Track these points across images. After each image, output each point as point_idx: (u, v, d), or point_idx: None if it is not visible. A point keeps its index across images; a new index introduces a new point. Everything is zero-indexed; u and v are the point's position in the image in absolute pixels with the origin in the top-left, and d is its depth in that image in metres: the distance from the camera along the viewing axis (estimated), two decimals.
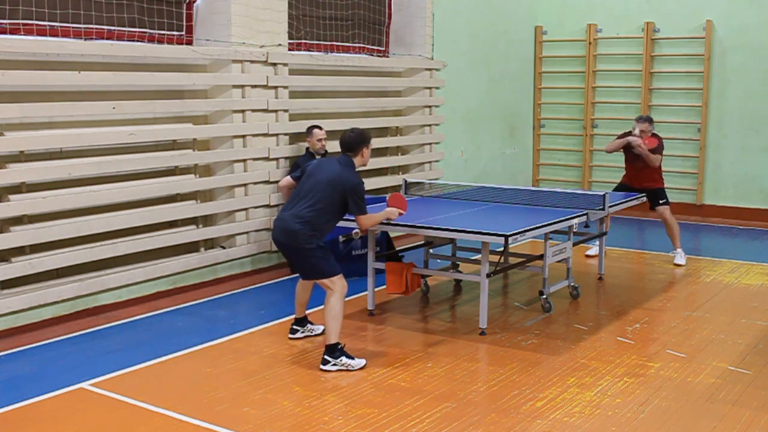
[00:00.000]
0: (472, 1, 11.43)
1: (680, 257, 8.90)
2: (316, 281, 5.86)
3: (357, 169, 5.88)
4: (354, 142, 5.86)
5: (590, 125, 12.72)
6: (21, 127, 6.52)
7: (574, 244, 7.32)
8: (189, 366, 5.74)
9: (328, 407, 4.98)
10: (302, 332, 6.28)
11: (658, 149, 8.78)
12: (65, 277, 6.80)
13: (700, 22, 11.71)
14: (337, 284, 5.68)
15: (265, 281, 8.08)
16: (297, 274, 6.16)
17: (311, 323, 6.33)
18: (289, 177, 6.00)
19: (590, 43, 12.56)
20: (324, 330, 6.03)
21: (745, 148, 11.65)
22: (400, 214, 6.23)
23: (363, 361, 5.67)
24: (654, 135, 8.84)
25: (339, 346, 5.64)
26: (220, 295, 7.57)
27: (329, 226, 5.82)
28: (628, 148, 8.85)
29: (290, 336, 6.26)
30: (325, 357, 5.62)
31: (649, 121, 8.84)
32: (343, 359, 5.61)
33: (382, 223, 6.23)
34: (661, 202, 8.84)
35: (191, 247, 7.83)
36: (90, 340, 6.30)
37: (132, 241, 7.18)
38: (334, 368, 5.59)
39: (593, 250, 9.06)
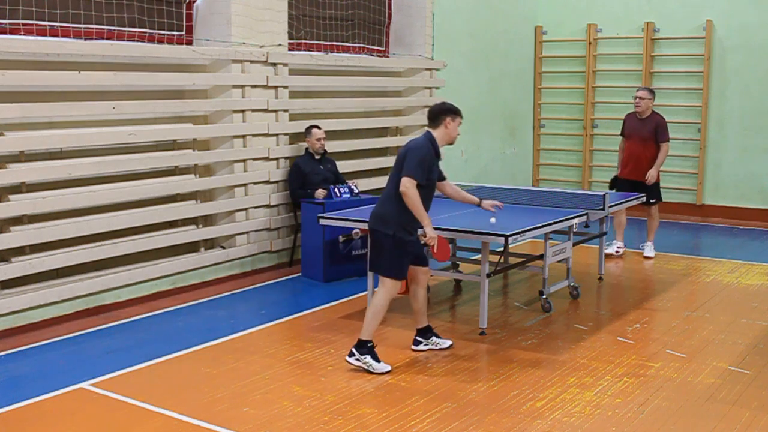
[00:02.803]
0: (472, 1, 11.43)
1: (650, 250, 9.15)
2: (377, 272, 5.65)
3: (441, 146, 5.70)
4: (434, 111, 5.70)
5: (590, 125, 12.72)
6: (21, 127, 6.52)
7: (574, 244, 7.32)
8: (189, 366, 5.74)
9: (328, 407, 4.98)
10: (426, 345, 5.97)
11: (663, 132, 8.93)
12: (65, 277, 6.80)
13: (700, 22, 11.71)
14: (392, 286, 5.58)
15: (265, 281, 8.08)
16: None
17: (437, 335, 6.03)
18: None
19: (590, 43, 12.56)
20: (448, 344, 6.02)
21: (745, 148, 11.65)
22: (432, 245, 5.66)
23: (387, 367, 5.55)
24: (656, 113, 9.06)
25: (369, 344, 5.57)
26: (220, 295, 7.57)
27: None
28: (628, 135, 9.09)
29: (413, 347, 5.98)
30: (353, 350, 5.58)
31: (649, 90, 9.09)
32: (368, 359, 5.53)
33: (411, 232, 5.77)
34: (652, 201, 8.96)
35: (191, 247, 7.83)
36: (90, 340, 6.30)
37: (132, 241, 7.18)
38: (357, 363, 5.54)
39: (611, 248, 9.20)
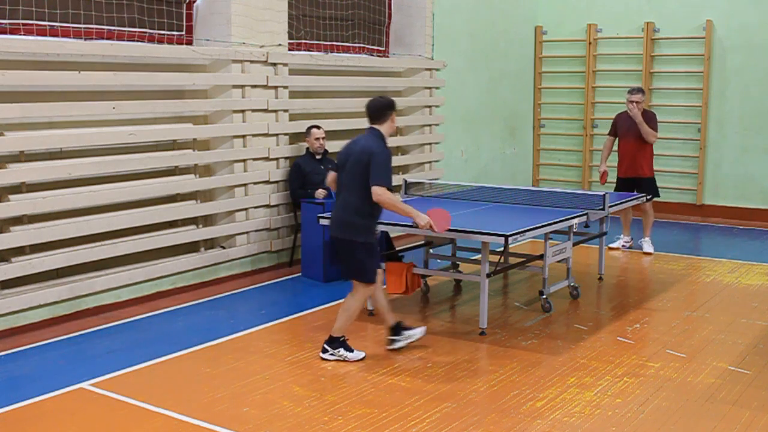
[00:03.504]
0: (472, 1, 11.43)
1: (648, 245, 9.25)
2: (352, 279, 5.75)
3: (387, 139, 5.72)
4: (378, 107, 5.67)
5: (590, 125, 12.72)
6: (21, 127, 6.52)
7: (574, 244, 7.32)
8: (189, 366, 5.74)
9: (328, 407, 4.98)
10: (400, 340, 5.92)
11: (651, 122, 9.03)
12: (65, 277, 6.80)
13: (700, 22, 11.71)
14: (365, 290, 5.72)
15: (265, 281, 8.08)
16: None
17: (408, 328, 5.98)
18: (331, 172, 5.92)
19: (590, 43, 12.56)
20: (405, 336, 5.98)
21: (745, 148, 11.65)
22: (431, 227, 5.75)
23: (362, 354, 5.75)
24: (646, 111, 9.15)
25: (341, 339, 5.75)
26: (220, 295, 7.56)
27: (377, 208, 5.60)
28: (622, 134, 9.15)
29: (388, 348, 5.96)
30: (325, 346, 5.76)
31: (641, 92, 9.10)
32: (341, 351, 5.73)
33: (407, 225, 6.00)
34: (648, 197, 8.97)
35: (191, 247, 7.83)
36: (90, 340, 6.30)
37: (132, 241, 7.18)
38: (332, 358, 5.72)
39: (618, 242, 9.49)
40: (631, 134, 9.05)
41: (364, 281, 5.70)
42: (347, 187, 5.61)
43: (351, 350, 5.75)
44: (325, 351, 5.76)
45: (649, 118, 9.08)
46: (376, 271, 5.75)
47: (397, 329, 5.97)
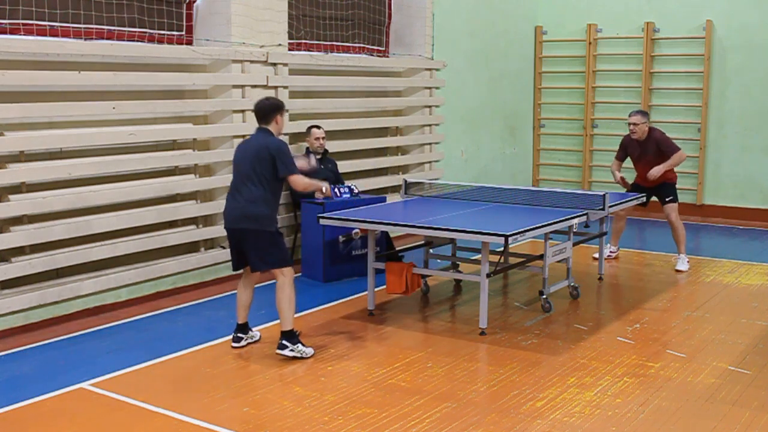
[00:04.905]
0: (472, 1, 11.43)
1: (683, 263, 8.65)
2: (271, 270, 5.84)
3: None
4: (267, 109, 5.87)
5: (590, 125, 12.72)
6: (21, 127, 6.52)
7: (574, 244, 7.32)
8: (189, 366, 5.74)
9: (328, 407, 4.98)
10: (246, 340, 6.07)
11: (667, 145, 8.55)
12: (65, 277, 6.80)
13: (700, 22, 11.71)
14: (290, 272, 5.82)
15: (264, 281, 8.02)
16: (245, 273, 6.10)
17: (251, 329, 6.17)
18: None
19: (590, 43, 12.56)
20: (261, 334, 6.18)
21: (745, 148, 11.65)
22: (326, 192, 6.17)
23: (312, 350, 5.85)
24: (653, 129, 8.70)
25: (296, 333, 5.82)
26: (220, 295, 7.56)
27: (278, 199, 5.90)
28: (636, 159, 8.68)
29: (234, 345, 6.02)
30: (283, 342, 5.76)
31: (642, 113, 8.59)
32: (300, 346, 5.78)
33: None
34: (668, 199, 8.60)
35: (191, 247, 7.83)
36: (90, 340, 6.30)
37: (132, 241, 7.18)
38: (291, 354, 5.75)
39: (607, 251, 8.84)
40: (645, 159, 8.56)
41: (285, 266, 5.79)
42: (250, 182, 5.72)
43: (305, 345, 5.85)
44: (283, 347, 5.75)
45: (659, 140, 8.52)
46: (290, 254, 5.92)
47: (244, 328, 6.09)
